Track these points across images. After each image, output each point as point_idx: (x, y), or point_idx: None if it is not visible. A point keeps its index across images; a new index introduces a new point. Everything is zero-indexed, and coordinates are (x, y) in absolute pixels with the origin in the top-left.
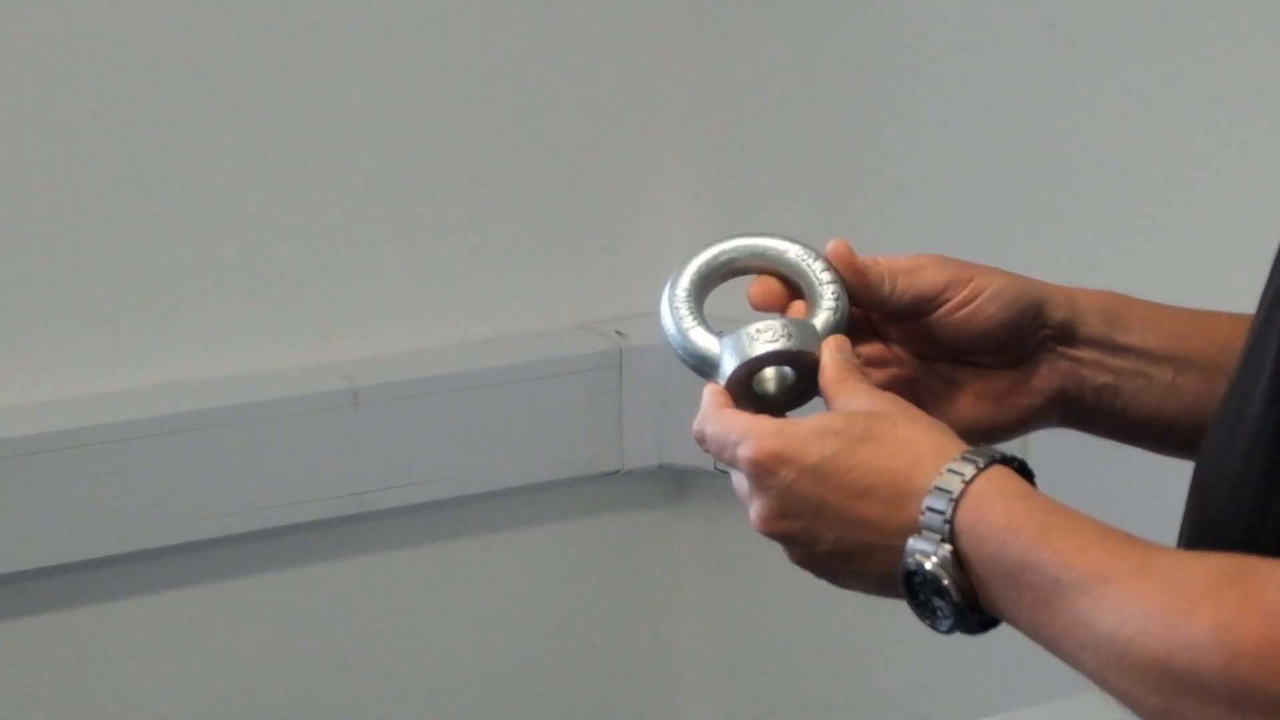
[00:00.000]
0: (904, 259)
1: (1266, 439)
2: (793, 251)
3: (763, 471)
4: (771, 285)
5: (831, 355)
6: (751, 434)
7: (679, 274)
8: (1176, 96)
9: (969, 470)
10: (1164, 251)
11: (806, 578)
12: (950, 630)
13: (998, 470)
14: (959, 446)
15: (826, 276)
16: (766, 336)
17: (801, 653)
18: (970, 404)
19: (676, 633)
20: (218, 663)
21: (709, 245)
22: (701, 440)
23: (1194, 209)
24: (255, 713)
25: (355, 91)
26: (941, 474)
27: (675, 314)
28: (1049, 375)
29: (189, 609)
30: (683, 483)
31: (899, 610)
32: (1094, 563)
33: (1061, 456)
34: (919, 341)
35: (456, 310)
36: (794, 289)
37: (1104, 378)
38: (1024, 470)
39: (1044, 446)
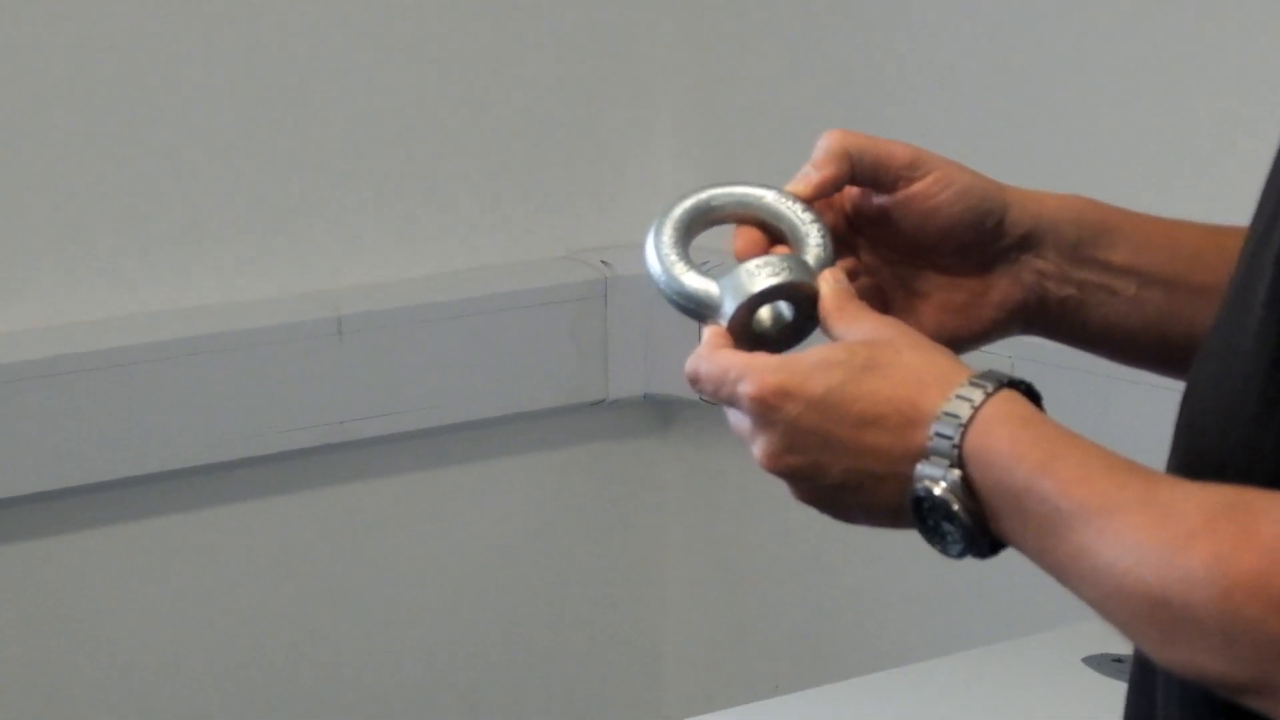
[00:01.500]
0: (858, 132)
1: (1260, 376)
2: (769, 196)
3: (766, 407)
4: (754, 234)
5: (829, 285)
6: (752, 370)
7: (662, 222)
8: (1172, 14)
9: (978, 395)
10: (1165, 169)
11: (792, 506)
12: (961, 554)
13: (1005, 395)
14: (964, 371)
15: (808, 216)
16: (767, 271)
17: (785, 580)
18: (934, 314)
19: (661, 561)
20: (199, 589)
21: (688, 194)
22: (695, 380)
23: (1193, 127)
24: (236, 639)
25: (340, 21)
26: (950, 400)
27: (665, 260)
28: (1012, 287)
29: (170, 536)
30: (668, 412)
31: (883, 540)
32: (1095, 494)
33: (1046, 383)
34: (885, 239)
35: (441, 239)
36: (774, 235)
37: (1068, 290)
38: (1031, 393)
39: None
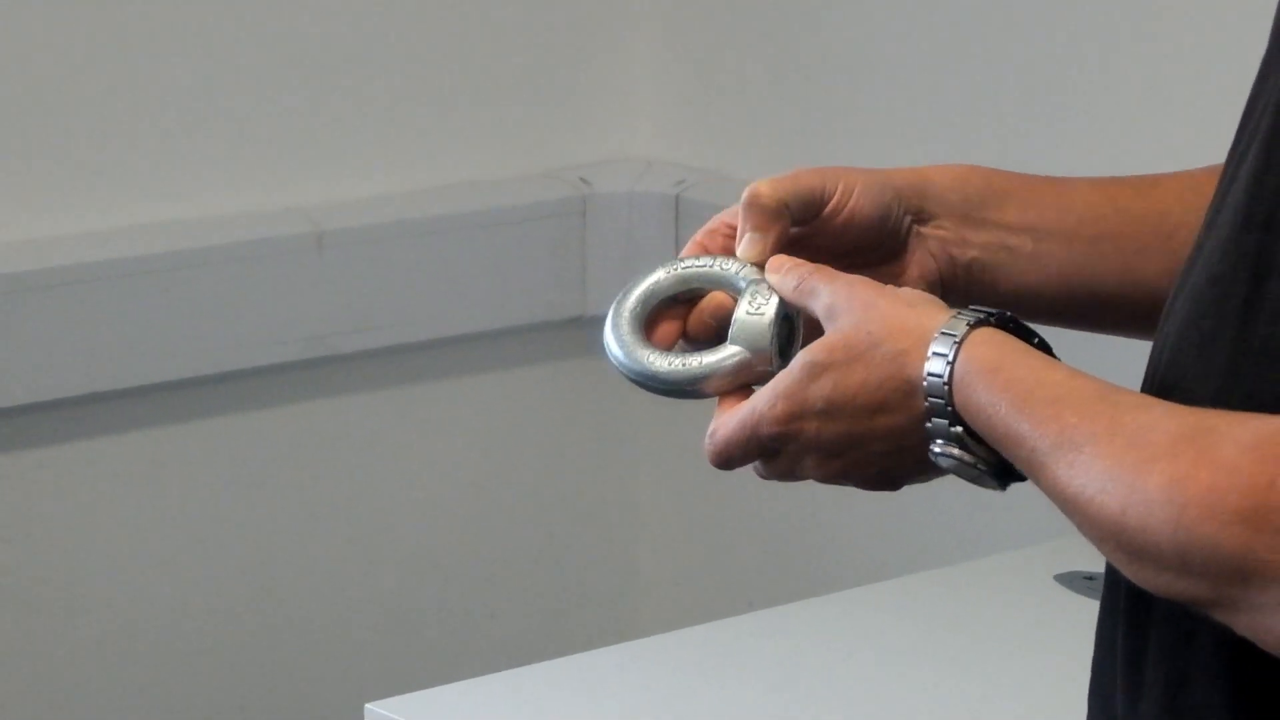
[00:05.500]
0: (775, 179)
1: (1237, 299)
2: (677, 269)
3: (789, 435)
4: (670, 314)
5: (778, 277)
6: (759, 412)
7: (641, 353)
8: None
9: (948, 348)
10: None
11: None
12: (1004, 487)
13: (975, 339)
14: (934, 318)
15: (733, 266)
16: (761, 298)
17: (760, 498)
18: None
19: (637, 478)
20: (178, 504)
21: (620, 311)
22: (728, 463)
23: (1163, 82)
24: (214, 555)
25: None
26: (929, 359)
27: (681, 364)
28: (924, 260)
29: (149, 451)
30: None
31: None
32: (1066, 428)
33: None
34: (801, 255)
35: (421, 155)
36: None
37: (971, 253)
38: (1003, 320)
39: None
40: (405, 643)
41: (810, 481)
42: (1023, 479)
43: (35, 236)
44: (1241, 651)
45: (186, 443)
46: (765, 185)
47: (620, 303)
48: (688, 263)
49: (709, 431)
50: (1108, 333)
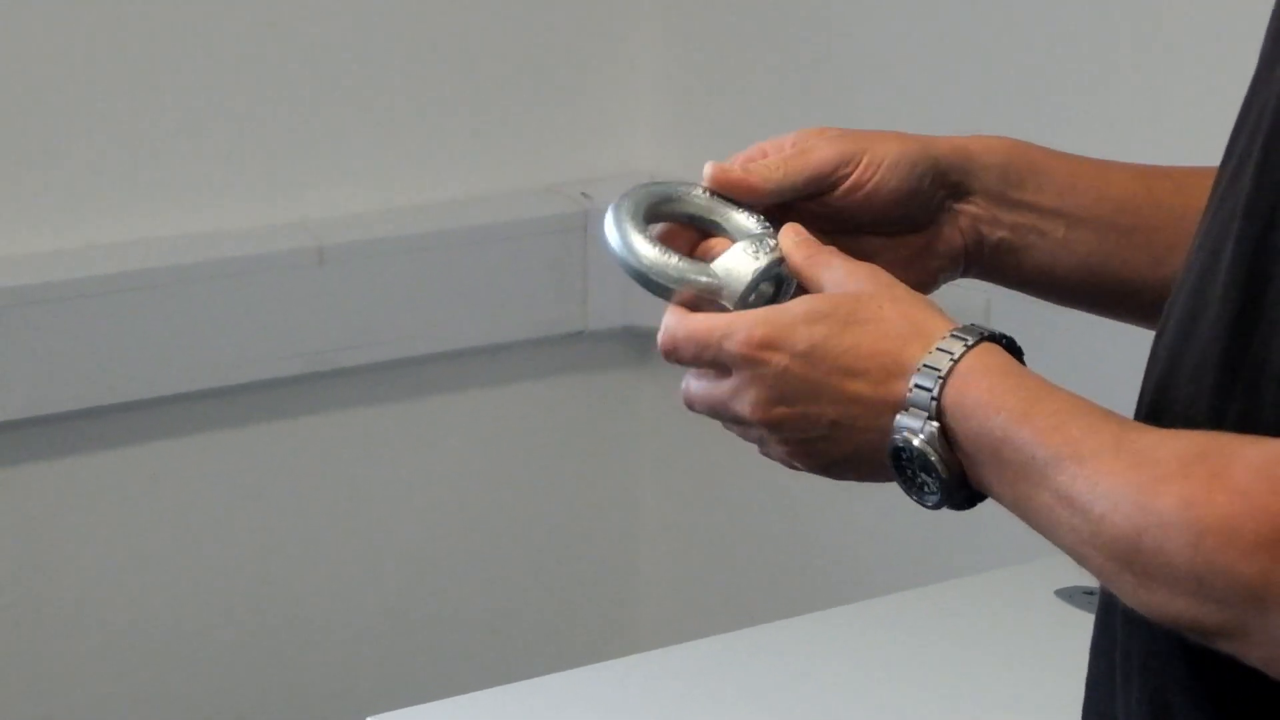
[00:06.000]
0: (789, 139)
1: (1224, 329)
2: (695, 191)
3: (754, 361)
4: (675, 230)
5: (791, 239)
6: (736, 326)
7: (627, 218)
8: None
9: (958, 348)
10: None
11: None
12: (937, 506)
13: (985, 348)
14: (945, 324)
15: (742, 212)
16: (764, 249)
17: (760, 512)
18: None
19: (637, 492)
20: (179, 518)
21: (630, 199)
22: (673, 348)
23: (1160, 77)
24: (215, 568)
25: None
26: (930, 352)
27: (660, 255)
28: (951, 235)
29: (150, 465)
30: (647, 344)
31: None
32: (1070, 441)
33: (1020, 327)
34: (826, 220)
35: (423, 170)
36: (705, 232)
37: (1001, 233)
38: (1013, 347)
39: (1005, 319)
40: (406, 656)
41: (810, 488)
42: (965, 506)
43: (36, 250)
44: (1224, 672)
45: (188, 456)
46: (772, 145)
47: (645, 186)
48: (726, 197)
49: (672, 318)
50: (1127, 320)
